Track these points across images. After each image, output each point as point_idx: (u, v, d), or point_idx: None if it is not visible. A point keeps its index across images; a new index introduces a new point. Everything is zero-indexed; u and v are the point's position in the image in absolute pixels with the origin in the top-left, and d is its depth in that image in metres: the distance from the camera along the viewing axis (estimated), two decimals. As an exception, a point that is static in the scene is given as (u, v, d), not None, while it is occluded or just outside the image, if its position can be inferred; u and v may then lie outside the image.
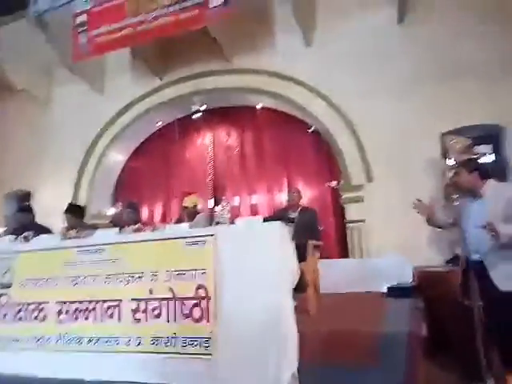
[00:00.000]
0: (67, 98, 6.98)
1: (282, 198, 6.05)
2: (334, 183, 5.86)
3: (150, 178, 7.28)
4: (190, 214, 4.27)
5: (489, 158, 4.85)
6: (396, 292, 3.85)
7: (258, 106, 6.40)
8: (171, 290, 2.97)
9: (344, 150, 5.46)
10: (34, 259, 3.37)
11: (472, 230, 2.66)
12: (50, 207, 5.43)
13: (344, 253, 5.49)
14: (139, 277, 3.07)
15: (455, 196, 2.82)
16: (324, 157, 6.13)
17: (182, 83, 6.36)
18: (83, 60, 5.84)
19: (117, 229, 3.53)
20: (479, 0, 4.92)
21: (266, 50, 5.93)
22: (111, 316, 3.09)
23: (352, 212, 5.38)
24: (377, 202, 5.09)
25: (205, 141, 7.04)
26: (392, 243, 4.67)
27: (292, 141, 6.40)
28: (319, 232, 3.97)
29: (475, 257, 2.64)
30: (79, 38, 5.52)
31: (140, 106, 6.59)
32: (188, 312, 2.87)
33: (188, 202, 4.26)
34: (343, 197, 5.49)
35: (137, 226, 3.38)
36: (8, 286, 3.39)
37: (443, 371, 2.92)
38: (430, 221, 2.87)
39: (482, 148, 4.80)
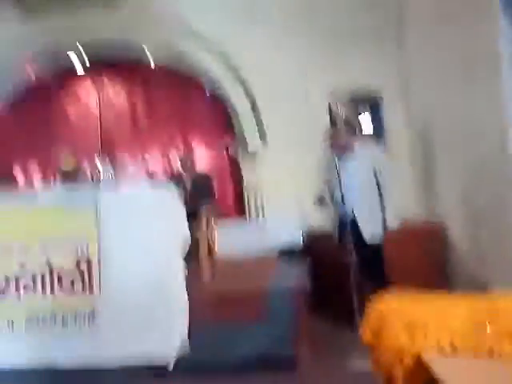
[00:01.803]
0: None
1: (176, 160, 5.82)
2: (230, 145, 5.81)
3: (27, 139, 6.36)
4: (69, 177, 3.85)
5: (367, 118, 5.23)
6: (286, 253, 4.02)
7: (151, 63, 5.92)
8: (47, 262, 2.66)
9: (239, 111, 5.40)
10: None
11: (347, 186, 2.86)
12: None
13: (242, 214, 5.56)
14: (6, 250, 2.68)
15: (334, 155, 2.97)
16: (220, 119, 6.00)
17: (56, 22, 5.42)
18: None
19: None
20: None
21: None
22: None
23: (248, 173, 5.42)
24: (271, 163, 5.18)
25: (90, 97, 6.36)
26: (285, 205, 4.82)
27: (186, 100, 6.13)
28: (214, 197, 3.92)
29: (350, 214, 2.86)
30: None
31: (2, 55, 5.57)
32: (67, 285, 2.62)
33: (65, 163, 3.83)
34: (239, 158, 5.48)
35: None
36: None
37: (323, 322, 3.18)
38: (319, 201, 3.03)
39: (360, 108, 5.13)
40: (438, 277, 3.84)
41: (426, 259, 3.82)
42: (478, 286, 3.28)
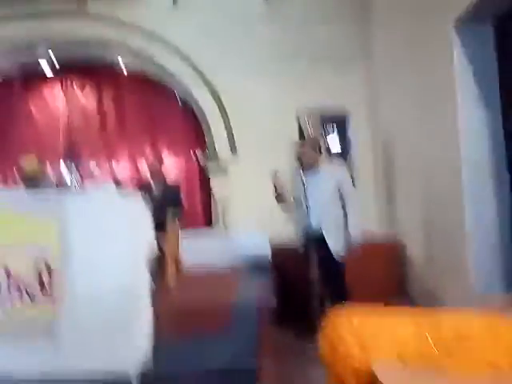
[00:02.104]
0: None
1: (145, 168, 5.76)
2: (199, 154, 5.81)
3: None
4: (30, 180, 3.70)
5: (334, 137, 5.41)
6: (252, 266, 4.05)
7: (122, 67, 5.86)
8: (5, 268, 2.57)
9: (211, 121, 5.43)
10: None
11: (313, 202, 2.95)
12: None
13: (209, 224, 5.55)
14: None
15: (299, 170, 3.06)
16: (191, 127, 6.01)
17: (24, 21, 5.30)
18: None
19: None
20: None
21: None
22: None
23: (217, 184, 5.44)
24: (240, 175, 5.22)
25: (56, 98, 6.20)
26: (253, 217, 4.87)
27: (158, 108, 6.10)
28: (181, 205, 3.91)
29: (316, 228, 2.94)
30: None
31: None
32: (26, 293, 2.53)
33: (26, 164, 3.66)
34: (209, 169, 5.49)
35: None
36: None
37: (289, 336, 3.22)
38: (279, 196, 3.08)
39: (328, 127, 5.30)
40: (397, 292, 4.00)
41: (385, 275, 3.98)
42: (433, 300, 3.44)
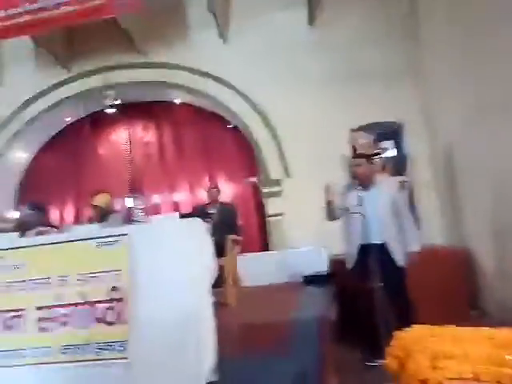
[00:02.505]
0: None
1: (203, 194, 6.03)
2: (253, 178, 5.96)
3: (61, 177, 6.78)
4: (102, 214, 4.06)
5: (391, 153, 5.32)
6: (311, 280, 4.04)
7: (177, 101, 6.29)
8: (82, 294, 2.81)
9: (262, 145, 5.58)
10: None
11: (371, 215, 2.92)
12: None
13: (265, 247, 5.63)
14: (45, 283, 2.86)
15: (357, 186, 3.05)
16: (244, 153, 6.23)
17: (93, 76, 5.98)
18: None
19: (17, 233, 3.25)
20: (379, 9, 5.34)
21: (181, 44, 5.80)
22: (14, 327, 2.85)
23: (271, 206, 5.53)
24: (294, 195, 5.28)
25: (120, 137, 6.76)
26: (310, 235, 4.88)
27: (212, 137, 6.41)
28: (239, 227, 4.03)
29: (375, 241, 2.90)
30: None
31: (46, 100, 6.07)
32: (101, 316, 2.74)
33: (98, 200, 4.04)
34: (263, 191, 5.61)
35: (41, 228, 3.14)
36: None
37: (350, 353, 3.14)
38: (328, 208, 3.09)
39: (384, 143, 5.23)
40: (469, 305, 3.78)
41: (454, 287, 3.77)
42: (506, 310, 3.20)
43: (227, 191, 6.09)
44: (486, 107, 3.48)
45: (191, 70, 5.76)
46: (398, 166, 5.01)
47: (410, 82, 5.21)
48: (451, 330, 1.67)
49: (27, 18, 4.87)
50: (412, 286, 3.05)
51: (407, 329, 1.79)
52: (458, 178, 4.35)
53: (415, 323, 2.10)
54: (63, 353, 2.73)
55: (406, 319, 2.73)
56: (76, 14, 4.63)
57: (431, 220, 4.86)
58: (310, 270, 4.40)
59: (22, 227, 4.02)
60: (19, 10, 4.85)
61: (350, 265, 3.12)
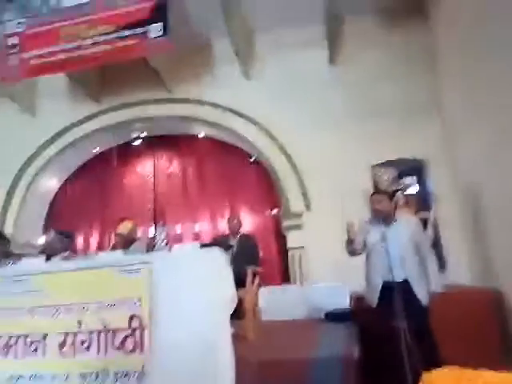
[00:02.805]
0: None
1: (224, 225, 6.07)
2: (274, 211, 5.98)
3: (87, 206, 6.98)
4: (125, 241, 4.14)
5: (414, 189, 5.28)
6: (333, 317, 3.93)
7: (200, 135, 6.48)
8: (102, 321, 2.82)
9: (283, 178, 5.64)
10: None
11: (393, 252, 2.88)
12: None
13: (286, 279, 5.56)
14: (67, 308, 2.89)
15: (379, 222, 3.03)
16: (265, 186, 6.29)
17: (121, 110, 6.26)
18: (14, 82, 5.57)
19: (43, 257, 3.32)
20: (399, 45, 5.48)
21: (205, 81, 6.06)
22: (35, 351, 2.86)
23: (292, 239, 5.50)
24: (315, 229, 5.26)
25: (145, 168, 6.94)
26: (331, 269, 4.81)
27: (234, 169, 6.53)
28: (259, 258, 4.02)
29: (398, 278, 2.83)
30: (10, 60, 5.30)
31: (76, 132, 6.35)
32: (120, 344, 2.74)
33: (122, 228, 4.14)
34: (283, 224, 5.60)
35: (66, 253, 3.21)
36: None
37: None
38: (349, 245, 3.06)
39: (407, 180, 5.21)
40: (496, 346, 3.59)
41: (484, 328, 3.60)
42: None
43: (248, 223, 6.11)
44: (505, 139, 3.43)
45: (214, 105, 5.97)
46: (422, 203, 4.96)
47: (430, 117, 5.22)
48: (483, 373, 1.59)
49: (63, 56, 5.19)
50: (437, 328, 2.95)
51: (436, 370, 1.72)
52: (484, 215, 4.25)
53: (441, 365, 2.02)
54: (81, 379, 2.72)
55: (431, 361, 2.64)
56: (109, 53, 4.89)
57: (457, 259, 4.74)
58: (331, 306, 4.28)
59: (48, 252, 4.12)
60: (56, 48, 5.16)
61: (372, 302, 3.05)
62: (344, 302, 4.45)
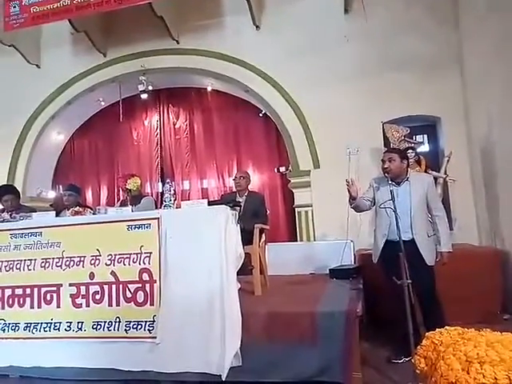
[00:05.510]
0: (-1, 71, 6.46)
1: (232, 181, 6.07)
2: (283, 168, 5.93)
3: (94, 160, 7.00)
4: (134, 197, 4.18)
5: (425, 147, 5.18)
6: (337, 273, 4.01)
7: (208, 88, 6.32)
8: (114, 273, 2.91)
9: (292, 135, 5.53)
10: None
11: (402, 211, 2.86)
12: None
13: (293, 236, 5.62)
14: (79, 261, 2.97)
15: (389, 180, 2.98)
16: (274, 142, 6.20)
17: (127, 61, 6.08)
18: (16, 30, 5.39)
19: (53, 211, 3.38)
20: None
21: (214, 31, 5.80)
22: (49, 301, 2.99)
23: (300, 197, 5.50)
24: (323, 187, 5.23)
25: (152, 122, 6.85)
26: (337, 227, 4.84)
27: (242, 124, 6.41)
28: (266, 216, 4.02)
29: (405, 237, 2.84)
30: (10, 7, 5.12)
31: (82, 83, 6.23)
32: (131, 296, 2.84)
33: (131, 184, 4.18)
34: (291, 182, 5.58)
35: (76, 208, 3.25)
36: None
37: (377, 348, 3.11)
38: (353, 201, 3.05)
39: (419, 138, 5.10)
40: (498, 305, 3.67)
41: (487, 286, 3.65)
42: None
43: (256, 180, 6.08)
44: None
45: (223, 57, 5.75)
46: (433, 161, 4.87)
47: (449, 73, 4.99)
48: (485, 333, 1.63)
49: (65, 2, 4.99)
50: (442, 286, 2.99)
51: (439, 330, 1.76)
52: (497, 176, 4.18)
53: (443, 323, 2.07)
54: (94, 328, 2.84)
55: (434, 319, 2.70)
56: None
57: (466, 219, 4.72)
58: (337, 263, 4.37)
59: (59, 207, 4.18)
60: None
61: (375, 259, 3.08)
62: (349, 259, 4.54)
